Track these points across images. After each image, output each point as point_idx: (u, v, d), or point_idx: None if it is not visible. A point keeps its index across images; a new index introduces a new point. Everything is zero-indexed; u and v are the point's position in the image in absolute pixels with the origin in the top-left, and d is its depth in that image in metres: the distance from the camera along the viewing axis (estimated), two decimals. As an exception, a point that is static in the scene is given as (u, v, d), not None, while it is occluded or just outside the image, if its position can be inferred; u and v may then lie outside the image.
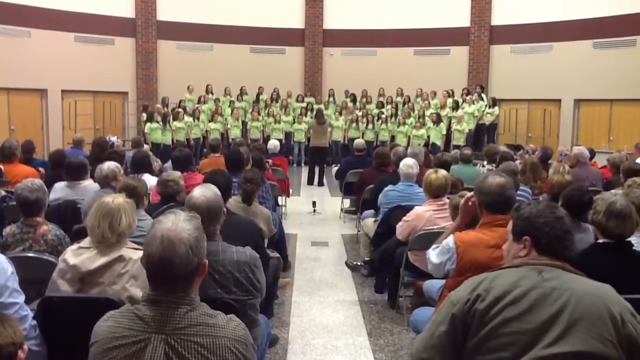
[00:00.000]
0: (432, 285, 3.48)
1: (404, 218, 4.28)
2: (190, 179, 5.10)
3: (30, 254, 3.08)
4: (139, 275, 2.59)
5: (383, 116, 14.79)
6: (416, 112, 14.65)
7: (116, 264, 2.59)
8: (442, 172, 4.29)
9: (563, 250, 1.89)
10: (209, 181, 3.34)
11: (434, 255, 2.81)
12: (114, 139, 9.85)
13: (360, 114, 14.97)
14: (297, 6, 16.85)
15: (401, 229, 4.28)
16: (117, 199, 2.76)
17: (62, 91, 14.58)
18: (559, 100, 14.83)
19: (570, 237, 1.92)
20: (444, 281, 2.94)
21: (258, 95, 15.90)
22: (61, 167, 5.29)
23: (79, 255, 2.61)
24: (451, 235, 2.72)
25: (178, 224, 1.66)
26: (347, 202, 8.38)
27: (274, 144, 9.09)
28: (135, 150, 7.29)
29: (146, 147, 9.11)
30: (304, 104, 15.63)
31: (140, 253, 2.65)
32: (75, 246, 2.70)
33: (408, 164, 5.11)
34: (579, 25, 14.11)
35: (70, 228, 3.65)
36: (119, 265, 2.59)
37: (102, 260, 2.58)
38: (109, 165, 4.49)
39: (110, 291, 2.54)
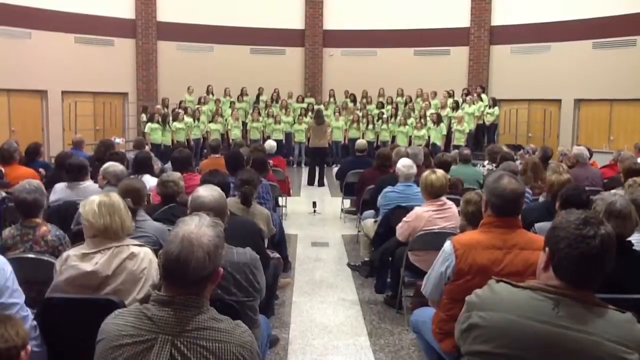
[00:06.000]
0: (421, 315, 3.14)
1: (404, 219, 4.28)
2: (190, 180, 5.11)
3: (30, 255, 3.07)
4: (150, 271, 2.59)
5: (384, 116, 14.81)
6: (416, 112, 14.67)
7: (128, 262, 2.56)
8: (441, 172, 4.29)
9: (579, 277, 1.62)
10: (206, 182, 3.35)
11: (430, 279, 2.77)
12: (119, 140, 9.84)
13: (360, 114, 14.98)
14: (297, 7, 16.86)
15: (401, 230, 4.28)
16: (114, 196, 2.75)
17: (63, 92, 14.59)
18: (559, 101, 14.83)
19: (593, 263, 1.59)
20: (432, 311, 2.88)
21: (258, 96, 15.91)
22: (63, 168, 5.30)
23: (90, 260, 2.53)
24: (448, 240, 2.71)
25: (201, 228, 1.68)
26: (347, 203, 8.38)
27: (270, 144, 9.08)
28: (137, 151, 7.30)
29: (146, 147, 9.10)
30: (304, 105, 15.65)
31: (145, 249, 2.66)
32: (78, 252, 2.59)
33: (407, 165, 5.11)
34: (578, 25, 14.11)
35: (70, 229, 3.65)
36: (131, 263, 2.56)
37: (116, 261, 2.54)
38: (117, 165, 4.56)
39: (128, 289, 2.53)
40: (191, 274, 1.61)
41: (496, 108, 14.59)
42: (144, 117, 14.17)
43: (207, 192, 2.70)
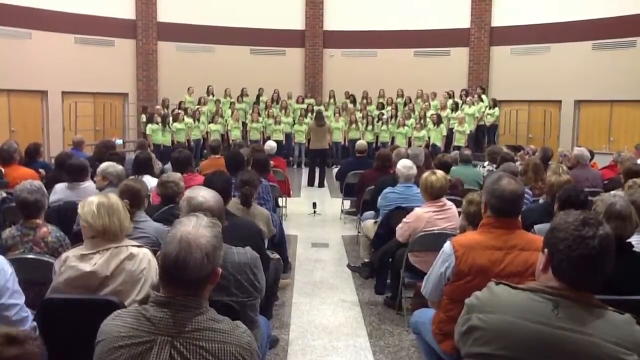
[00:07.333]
0: (421, 316, 3.11)
1: (404, 220, 4.27)
2: (190, 180, 5.10)
3: (30, 256, 3.07)
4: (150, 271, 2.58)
5: (384, 117, 14.81)
6: (416, 113, 14.68)
7: (127, 262, 2.56)
8: (441, 173, 4.29)
9: (578, 279, 1.61)
10: (209, 183, 3.34)
11: (430, 280, 2.76)
12: (119, 141, 9.84)
13: (360, 115, 14.97)
14: (297, 7, 16.86)
15: (401, 231, 4.28)
16: (113, 197, 2.75)
17: (63, 93, 14.59)
18: (559, 102, 14.84)
19: (592, 264, 1.59)
20: (432, 312, 2.88)
21: (258, 96, 15.91)
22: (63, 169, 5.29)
23: (89, 260, 2.53)
24: (448, 241, 2.70)
25: (199, 228, 1.67)
26: (347, 204, 8.38)
27: (270, 145, 9.08)
28: (138, 151, 7.29)
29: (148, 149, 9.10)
30: (304, 105, 15.64)
31: (144, 250, 2.66)
32: (77, 253, 2.59)
33: (407, 165, 5.11)
34: (578, 26, 14.12)
35: (71, 229, 3.64)
36: (130, 263, 2.56)
37: (114, 262, 2.54)
38: (117, 165, 4.61)
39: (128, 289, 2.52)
40: (189, 275, 1.61)
41: (496, 109, 14.60)
42: (143, 117, 14.16)
43: (209, 195, 2.68)
